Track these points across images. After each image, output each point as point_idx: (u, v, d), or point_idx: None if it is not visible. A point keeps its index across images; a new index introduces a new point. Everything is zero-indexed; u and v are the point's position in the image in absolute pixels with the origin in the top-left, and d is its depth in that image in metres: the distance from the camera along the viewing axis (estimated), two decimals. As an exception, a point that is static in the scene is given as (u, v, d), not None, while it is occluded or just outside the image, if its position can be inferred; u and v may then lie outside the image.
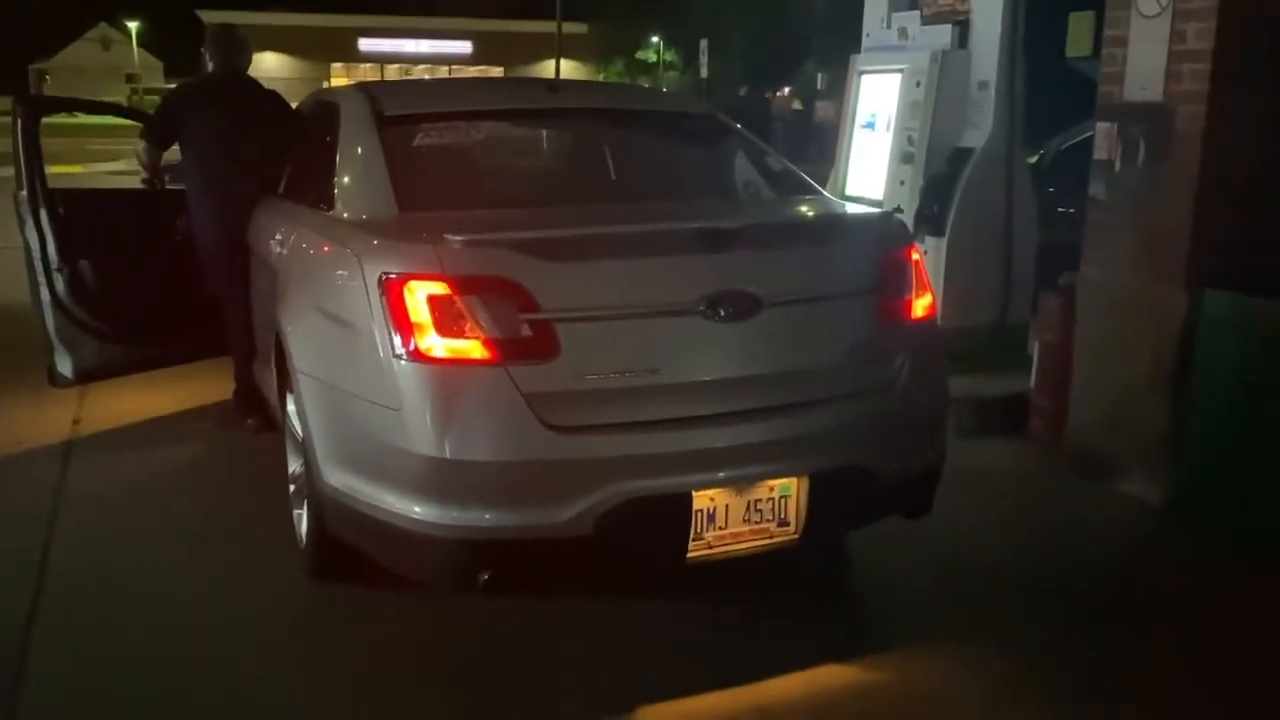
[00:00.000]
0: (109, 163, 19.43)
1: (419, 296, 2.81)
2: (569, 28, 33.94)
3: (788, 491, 2.98)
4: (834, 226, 3.56)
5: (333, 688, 2.99)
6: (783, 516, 3.00)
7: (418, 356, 2.80)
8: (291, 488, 3.70)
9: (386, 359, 2.84)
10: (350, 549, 3.18)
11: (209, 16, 28.17)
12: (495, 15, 46.05)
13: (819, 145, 17.84)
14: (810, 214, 3.71)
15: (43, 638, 3.20)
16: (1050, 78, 5.98)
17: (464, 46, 47.44)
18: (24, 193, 4.65)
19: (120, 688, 2.97)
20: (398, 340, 2.82)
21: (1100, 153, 4.51)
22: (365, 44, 46.89)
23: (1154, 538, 4.03)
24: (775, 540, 3.02)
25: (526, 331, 2.80)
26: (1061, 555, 3.86)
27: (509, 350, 2.79)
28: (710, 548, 2.94)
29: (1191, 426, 4.11)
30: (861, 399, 3.14)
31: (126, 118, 5.80)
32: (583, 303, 2.86)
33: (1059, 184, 6.80)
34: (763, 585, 3.46)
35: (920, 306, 3.31)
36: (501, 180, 3.95)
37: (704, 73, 27.09)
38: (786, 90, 33.58)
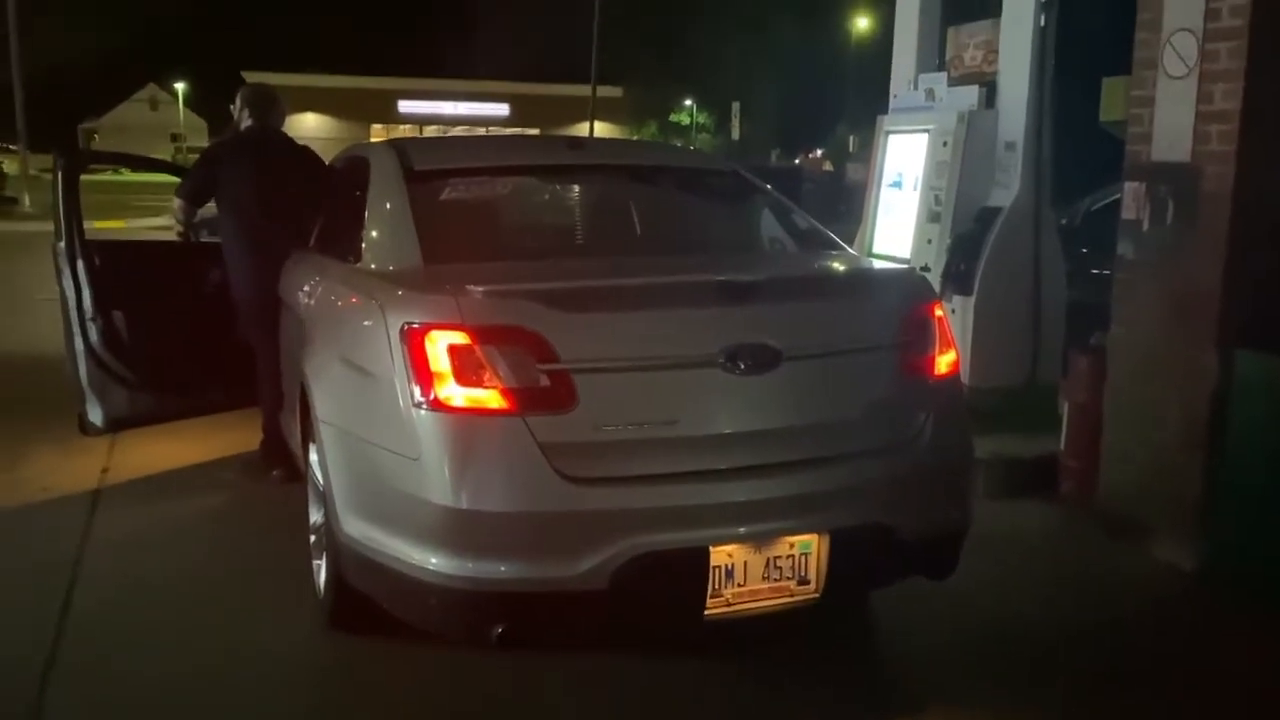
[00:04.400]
0: (153, 218, 19.81)
1: (440, 346, 2.82)
2: (604, 91, 34.45)
3: (808, 549, 2.94)
4: (856, 281, 3.56)
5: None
6: (803, 574, 2.95)
7: (437, 406, 2.80)
8: (312, 538, 3.70)
9: (406, 408, 2.85)
10: (369, 600, 3.16)
11: (252, 78, 28.94)
12: (532, 79, 46.88)
13: (848, 206, 17.89)
14: (831, 269, 3.70)
15: (60, 683, 3.19)
16: (1079, 138, 5.97)
17: (501, 109, 48.32)
18: (61, 244, 4.75)
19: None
20: (418, 389, 2.83)
21: (1128, 212, 4.49)
22: (404, 106, 47.90)
23: (1185, 605, 3.93)
24: (795, 599, 2.96)
25: (544, 382, 2.80)
26: (1090, 620, 3.76)
27: (527, 400, 2.79)
28: (729, 605, 2.89)
29: (1225, 490, 4.03)
30: (883, 456, 3.10)
31: (164, 172, 5.92)
32: (601, 353, 2.85)
33: (1090, 244, 6.75)
34: (780, 644, 3.40)
35: (943, 363, 3.28)
36: (525, 233, 3.99)
37: (735, 134, 27.38)
38: (819, 153, 33.86)
